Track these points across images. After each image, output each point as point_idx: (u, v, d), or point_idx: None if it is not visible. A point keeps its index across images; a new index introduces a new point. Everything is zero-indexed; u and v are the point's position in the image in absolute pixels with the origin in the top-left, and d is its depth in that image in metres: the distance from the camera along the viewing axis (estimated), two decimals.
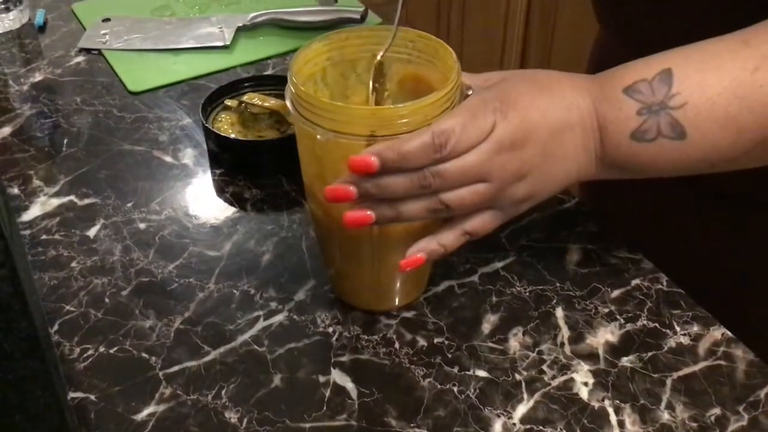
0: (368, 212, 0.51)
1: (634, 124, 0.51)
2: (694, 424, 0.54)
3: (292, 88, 0.53)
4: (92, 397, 0.56)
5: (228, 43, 0.93)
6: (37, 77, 0.89)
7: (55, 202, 0.73)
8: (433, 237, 0.54)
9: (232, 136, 0.76)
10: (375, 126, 0.50)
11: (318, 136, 0.52)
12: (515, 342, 0.60)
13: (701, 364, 0.58)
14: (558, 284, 0.64)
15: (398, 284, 0.61)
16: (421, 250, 0.54)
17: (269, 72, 0.89)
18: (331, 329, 0.61)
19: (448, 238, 0.54)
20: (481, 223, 0.54)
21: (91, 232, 0.70)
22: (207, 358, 0.59)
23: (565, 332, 0.60)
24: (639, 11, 0.65)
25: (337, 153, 0.51)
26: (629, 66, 0.53)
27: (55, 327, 0.61)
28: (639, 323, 0.61)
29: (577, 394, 0.56)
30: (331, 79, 0.59)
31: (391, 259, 0.56)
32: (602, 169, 0.54)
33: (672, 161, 0.52)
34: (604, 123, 0.52)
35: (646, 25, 0.65)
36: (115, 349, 0.60)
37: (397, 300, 0.62)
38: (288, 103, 0.54)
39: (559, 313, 0.62)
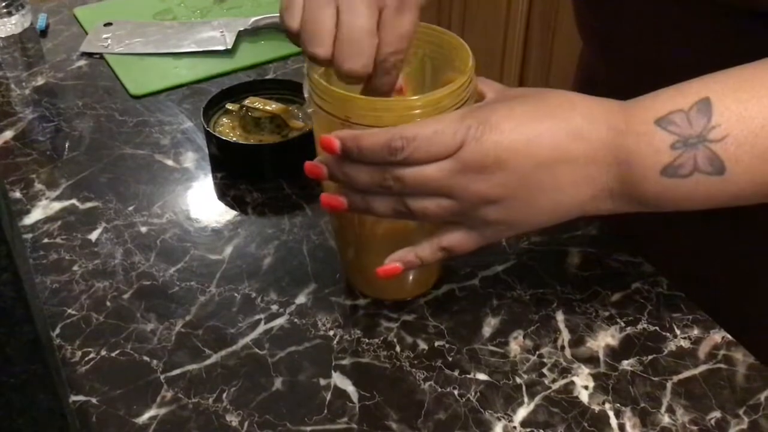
0: (341, 198, 0.53)
1: (667, 158, 0.48)
2: (695, 428, 0.54)
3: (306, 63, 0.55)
4: (94, 400, 0.56)
5: (229, 47, 0.93)
6: (39, 81, 0.90)
7: (57, 205, 0.73)
8: (412, 249, 0.55)
9: (234, 140, 0.76)
10: (349, 112, 0.52)
11: (308, 109, 0.55)
12: (516, 345, 0.60)
13: (701, 368, 0.58)
14: (558, 287, 0.64)
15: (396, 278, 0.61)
16: (398, 260, 0.55)
17: (270, 76, 0.89)
18: (332, 332, 0.61)
19: (425, 251, 0.54)
20: (456, 240, 0.53)
21: (93, 236, 0.70)
22: (208, 362, 0.59)
23: (565, 335, 0.60)
24: (619, 29, 0.65)
25: (324, 130, 0.53)
26: (661, 94, 0.49)
27: (57, 330, 0.61)
28: (639, 326, 0.61)
29: (577, 397, 0.56)
30: None
31: (374, 254, 0.58)
32: (622, 204, 0.51)
33: (706, 197, 0.49)
34: (629, 158, 0.48)
35: (627, 44, 0.65)
36: (116, 352, 0.60)
37: (405, 290, 0.63)
38: (304, 86, 0.55)
39: (560, 316, 0.62)
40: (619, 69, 0.67)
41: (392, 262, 0.55)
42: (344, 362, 0.59)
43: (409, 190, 0.50)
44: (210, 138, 0.76)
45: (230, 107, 0.78)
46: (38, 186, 0.75)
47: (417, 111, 0.51)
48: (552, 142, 0.49)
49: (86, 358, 0.59)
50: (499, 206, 0.50)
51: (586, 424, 0.54)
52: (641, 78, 0.61)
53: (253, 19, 0.96)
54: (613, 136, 0.49)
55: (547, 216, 0.52)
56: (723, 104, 0.47)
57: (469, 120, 0.49)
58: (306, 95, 0.55)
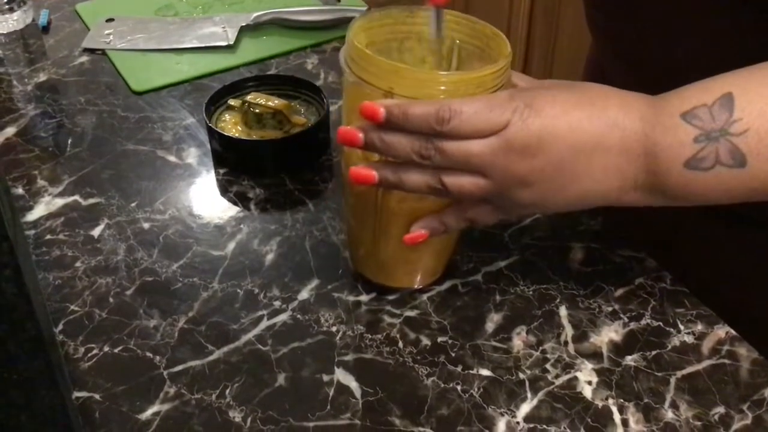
0: (372, 172, 0.53)
1: (690, 151, 0.49)
2: (698, 423, 0.54)
3: (349, 31, 0.55)
4: (97, 396, 0.56)
5: (231, 42, 0.93)
6: (41, 77, 0.89)
7: (60, 202, 0.73)
8: (436, 216, 0.56)
9: (236, 135, 0.76)
10: (393, 83, 0.52)
11: (347, 79, 0.54)
12: (519, 341, 0.60)
13: (705, 363, 0.58)
14: (561, 283, 0.64)
15: (399, 264, 0.62)
16: (424, 227, 0.56)
17: (272, 71, 0.89)
18: (334, 328, 0.61)
19: (450, 219, 0.56)
20: (481, 214, 0.55)
21: (96, 232, 0.70)
22: (211, 358, 0.59)
23: (568, 331, 0.60)
24: (629, 25, 0.65)
25: (360, 101, 0.52)
26: (688, 89, 0.51)
27: (60, 327, 0.61)
28: (643, 322, 0.61)
29: (580, 392, 0.56)
30: (407, 52, 0.60)
31: (393, 236, 0.58)
32: (644, 196, 0.52)
33: (727, 190, 0.50)
34: (655, 149, 0.50)
35: (636, 39, 0.65)
36: (119, 348, 0.60)
37: (417, 279, 0.63)
38: (340, 54, 0.55)
39: (563, 311, 0.62)
40: (629, 66, 0.67)
41: (419, 229, 0.56)
42: (347, 358, 0.59)
43: (450, 163, 0.51)
44: (212, 134, 0.76)
45: (232, 103, 0.78)
46: (41, 182, 0.75)
47: (460, 86, 0.51)
48: (592, 129, 0.50)
49: (89, 354, 0.59)
50: (532, 189, 0.51)
51: (589, 420, 0.54)
52: (651, 75, 0.61)
53: (255, 14, 0.96)
54: (644, 127, 0.50)
55: (574, 202, 0.53)
56: (745, 99, 0.48)
57: (516, 101, 0.50)
58: (343, 65, 0.54)
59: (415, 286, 0.63)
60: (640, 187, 0.51)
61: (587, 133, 0.50)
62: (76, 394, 0.56)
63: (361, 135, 0.53)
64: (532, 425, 0.54)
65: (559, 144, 0.50)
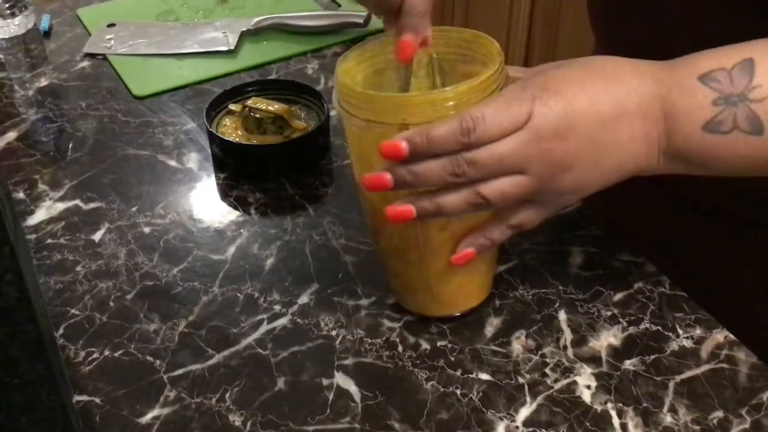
0: (409, 206, 0.52)
1: (709, 114, 0.48)
2: (697, 427, 0.54)
3: (336, 77, 0.54)
4: (97, 400, 0.57)
5: (232, 47, 0.93)
6: (43, 82, 0.90)
7: (61, 206, 0.73)
8: (480, 232, 0.55)
9: (236, 140, 0.76)
10: (405, 114, 0.51)
11: (354, 126, 0.53)
12: (518, 345, 0.60)
13: (704, 367, 0.58)
14: (561, 287, 0.64)
15: (452, 289, 0.60)
16: (471, 245, 0.55)
17: (273, 76, 0.89)
18: (334, 332, 0.61)
19: (494, 233, 0.54)
20: (526, 216, 0.53)
21: (96, 236, 0.70)
22: (211, 362, 0.59)
23: (567, 335, 0.60)
24: (633, 26, 0.65)
25: (374, 143, 0.51)
26: (705, 53, 0.50)
27: (61, 330, 0.62)
28: (642, 326, 0.61)
29: (579, 397, 0.56)
30: (387, 80, 0.59)
31: (442, 264, 0.57)
32: (666, 162, 0.51)
33: (745, 157, 0.49)
34: (673, 111, 0.49)
35: (639, 40, 0.65)
36: (119, 352, 0.60)
37: (469, 300, 0.61)
38: (334, 99, 0.54)
39: (562, 316, 0.62)
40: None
41: (465, 248, 0.55)
42: (347, 362, 0.59)
43: (484, 173, 0.50)
44: (213, 138, 0.76)
45: (233, 108, 0.79)
46: (42, 187, 0.75)
47: (470, 96, 0.50)
48: (611, 98, 0.49)
49: (90, 358, 0.59)
50: (573, 172, 0.50)
51: (588, 424, 0.54)
52: None
53: (256, 19, 0.96)
54: (660, 89, 0.49)
55: (612, 175, 0.51)
56: (766, 65, 0.48)
57: (531, 89, 0.49)
58: (341, 112, 0.53)
59: (468, 308, 0.61)
60: (663, 151, 0.50)
61: (608, 104, 0.49)
62: (77, 398, 0.57)
63: (388, 177, 0.50)
64: (531, 429, 0.54)
65: (586, 119, 0.49)
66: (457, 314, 0.61)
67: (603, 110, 0.49)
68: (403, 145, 0.49)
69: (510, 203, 0.52)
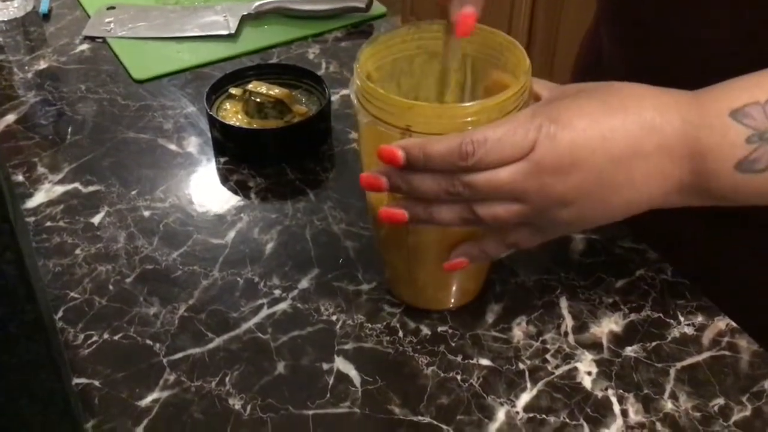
0: (402, 211, 0.51)
1: (742, 153, 0.46)
2: (698, 414, 0.54)
3: (357, 63, 0.53)
4: (96, 383, 0.56)
5: (233, 31, 0.93)
6: (42, 65, 0.89)
7: (60, 189, 0.73)
8: (476, 243, 0.54)
9: (237, 124, 0.75)
10: (410, 120, 0.49)
11: (362, 119, 0.52)
12: (519, 331, 0.60)
13: (705, 354, 0.58)
14: (562, 274, 0.64)
15: (442, 287, 0.60)
16: (464, 254, 0.54)
17: (274, 60, 0.89)
18: (334, 317, 0.61)
19: (490, 247, 0.54)
20: (523, 237, 0.52)
21: (96, 220, 0.70)
22: (211, 345, 0.59)
23: (568, 322, 0.60)
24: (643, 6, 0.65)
25: (377, 141, 0.50)
26: (735, 85, 0.48)
27: (60, 313, 0.61)
28: (643, 313, 0.60)
29: (580, 383, 0.56)
30: (417, 69, 0.58)
31: (428, 264, 0.57)
32: (692, 198, 0.49)
33: None
34: (702, 151, 0.47)
35: (650, 22, 0.64)
36: (119, 335, 0.60)
37: (452, 300, 0.61)
38: (351, 93, 0.53)
39: (563, 302, 0.61)
40: (636, 48, 0.65)
41: (458, 257, 0.54)
42: (347, 347, 0.58)
43: (481, 195, 0.48)
44: (213, 122, 0.76)
45: (233, 92, 0.78)
46: (41, 170, 0.75)
47: (480, 116, 0.49)
48: (626, 136, 0.47)
49: (89, 341, 0.59)
50: (573, 207, 0.48)
51: (589, 410, 0.54)
52: (653, 60, 0.59)
53: (257, 3, 0.96)
54: (686, 128, 0.47)
55: (619, 213, 0.50)
56: None
57: (539, 118, 0.47)
58: (355, 103, 0.52)
59: (452, 307, 0.61)
60: (686, 189, 0.48)
61: (623, 141, 0.47)
62: (76, 380, 0.56)
63: (384, 180, 0.50)
64: (531, 415, 0.54)
65: (594, 157, 0.47)
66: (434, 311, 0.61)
67: (615, 148, 0.47)
68: (400, 154, 0.48)
69: (504, 225, 0.51)
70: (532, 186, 0.48)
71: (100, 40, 0.93)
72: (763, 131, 0.46)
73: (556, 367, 0.57)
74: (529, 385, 0.56)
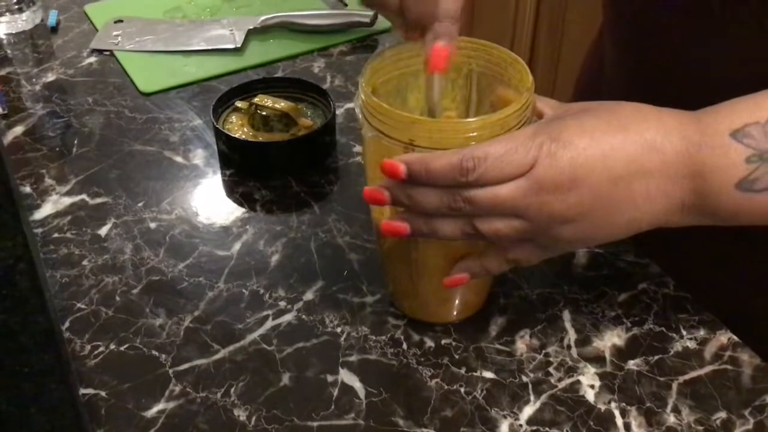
0: (404, 224, 0.52)
1: (742, 172, 0.47)
2: (700, 428, 0.54)
3: (362, 77, 0.53)
4: (103, 393, 0.57)
5: (239, 45, 0.94)
6: (50, 77, 0.90)
7: (67, 201, 0.73)
8: (478, 259, 0.54)
9: (243, 137, 0.76)
10: (413, 135, 0.50)
11: (365, 133, 0.53)
12: (522, 344, 0.60)
13: (707, 368, 0.58)
14: (565, 287, 0.64)
15: (444, 301, 0.60)
16: (465, 270, 0.55)
17: (279, 74, 0.90)
18: (339, 329, 0.61)
19: (491, 263, 0.54)
20: (524, 254, 0.53)
21: (102, 231, 0.70)
22: (216, 357, 0.59)
23: (571, 335, 0.60)
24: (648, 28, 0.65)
25: (380, 155, 0.51)
26: (736, 105, 0.48)
27: (66, 324, 0.62)
28: (645, 327, 0.61)
29: (583, 396, 0.56)
30: (424, 84, 0.58)
31: (431, 278, 0.57)
32: (693, 218, 0.50)
33: None
34: (703, 170, 0.47)
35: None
36: (125, 346, 0.60)
37: (455, 313, 0.61)
38: (356, 107, 0.54)
39: (566, 315, 0.62)
40: (636, 65, 0.66)
41: (459, 272, 0.55)
42: (351, 359, 0.59)
43: (482, 211, 0.49)
44: (219, 135, 0.76)
45: (239, 105, 0.79)
46: (48, 181, 0.76)
47: (483, 132, 0.49)
48: (627, 156, 0.47)
49: (95, 352, 0.60)
50: (574, 225, 0.49)
51: (591, 423, 0.54)
52: (656, 74, 0.60)
53: (263, 17, 0.97)
54: (687, 147, 0.48)
55: (620, 231, 0.50)
56: None
57: (541, 137, 0.48)
58: (360, 117, 0.53)
59: (455, 320, 0.61)
60: (687, 208, 0.49)
61: (623, 160, 0.47)
62: (83, 391, 0.57)
63: (386, 194, 0.51)
64: (534, 428, 0.54)
65: (594, 175, 0.47)
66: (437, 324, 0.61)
67: (616, 167, 0.47)
68: (402, 168, 0.49)
69: (504, 242, 0.51)
70: (532, 203, 0.48)
71: (107, 53, 0.94)
72: (763, 151, 0.47)
73: (559, 380, 0.57)
74: (532, 397, 0.56)
